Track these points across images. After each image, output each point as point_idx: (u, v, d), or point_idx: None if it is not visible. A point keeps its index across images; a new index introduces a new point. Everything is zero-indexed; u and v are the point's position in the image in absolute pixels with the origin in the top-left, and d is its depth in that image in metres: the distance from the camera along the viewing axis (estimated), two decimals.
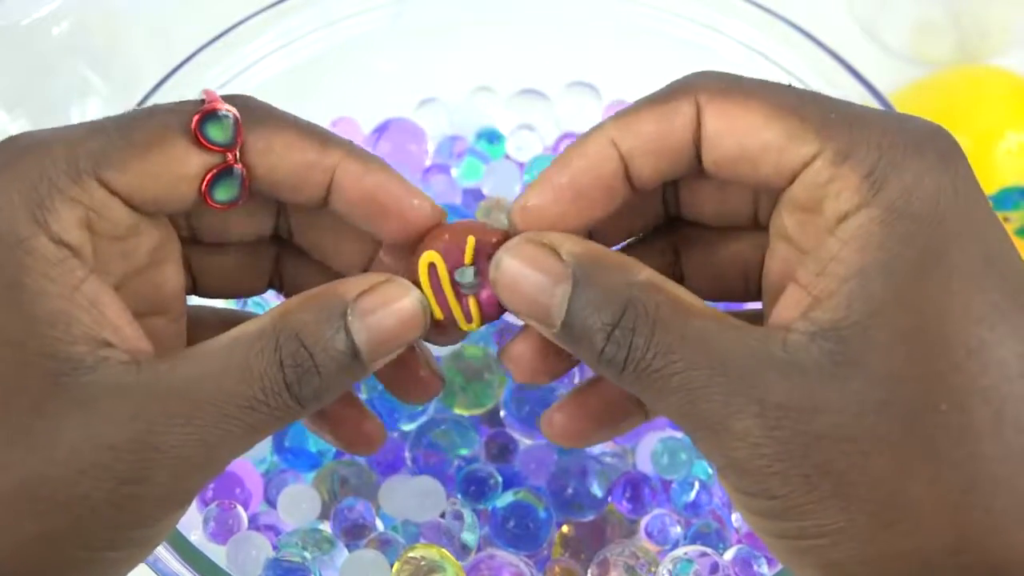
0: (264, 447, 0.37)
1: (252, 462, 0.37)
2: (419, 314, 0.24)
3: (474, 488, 0.35)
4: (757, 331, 0.22)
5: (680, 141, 0.24)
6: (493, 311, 0.25)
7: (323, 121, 0.44)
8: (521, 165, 0.44)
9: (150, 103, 0.38)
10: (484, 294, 0.25)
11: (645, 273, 0.23)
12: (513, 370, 0.26)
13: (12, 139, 0.23)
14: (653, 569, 0.33)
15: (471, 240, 0.25)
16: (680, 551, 0.32)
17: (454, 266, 0.25)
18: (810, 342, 0.21)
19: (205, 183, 0.24)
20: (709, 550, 0.32)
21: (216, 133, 0.24)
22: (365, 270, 0.27)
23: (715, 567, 0.32)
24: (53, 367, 0.21)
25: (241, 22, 0.41)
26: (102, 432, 0.21)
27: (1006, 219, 0.47)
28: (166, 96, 0.38)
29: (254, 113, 0.25)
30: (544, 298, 0.23)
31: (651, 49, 0.44)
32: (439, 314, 0.25)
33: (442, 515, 0.35)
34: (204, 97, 0.24)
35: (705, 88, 0.23)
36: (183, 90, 0.39)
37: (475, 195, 0.44)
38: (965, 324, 0.21)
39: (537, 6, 0.45)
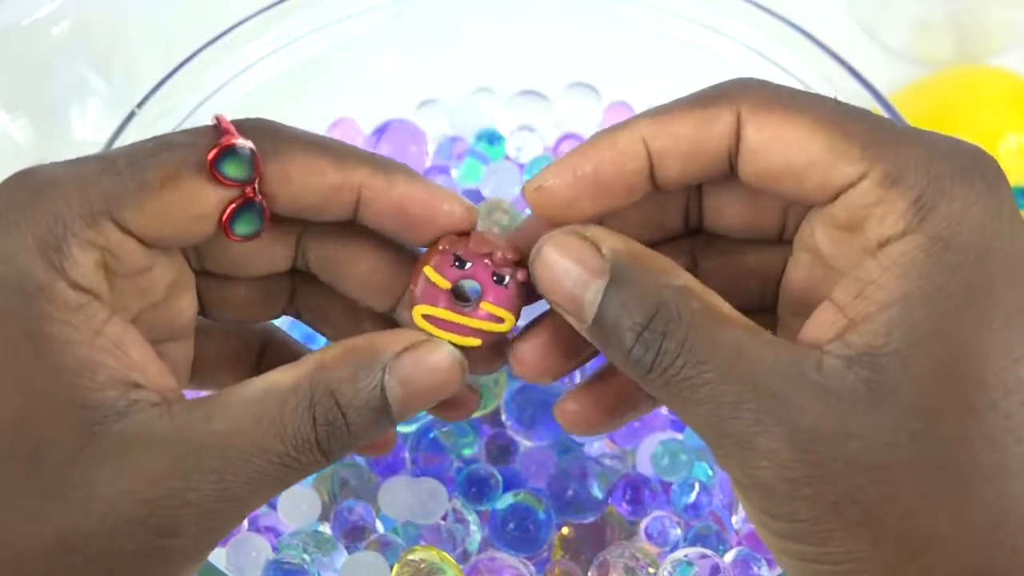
0: None
1: None
2: (456, 373, 0.24)
3: (475, 489, 0.35)
4: (790, 348, 0.21)
5: (716, 148, 0.23)
6: (509, 302, 0.25)
7: (323, 121, 0.44)
8: (521, 166, 0.44)
9: (150, 103, 0.38)
10: (491, 295, 0.25)
11: (684, 278, 0.22)
12: (518, 368, 0.26)
13: (24, 176, 0.22)
14: (653, 571, 0.33)
15: (428, 271, 0.25)
16: (680, 553, 0.32)
17: (445, 300, 0.25)
18: (846, 368, 0.21)
19: (225, 217, 0.24)
20: (709, 552, 0.32)
21: (233, 169, 0.23)
22: (391, 307, 0.27)
23: (715, 569, 0.32)
24: (84, 416, 0.21)
25: (241, 22, 0.40)
26: (137, 487, 0.21)
27: None
28: (166, 96, 0.38)
29: (270, 140, 0.24)
30: (579, 291, 0.22)
31: (651, 49, 0.44)
32: (473, 342, 0.25)
33: (443, 517, 0.35)
34: (216, 122, 0.24)
35: (748, 98, 0.23)
36: (183, 90, 0.39)
37: (475, 196, 0.43)
38: (1005, 362, 0.20)
39: (537, 6, 0.45)
